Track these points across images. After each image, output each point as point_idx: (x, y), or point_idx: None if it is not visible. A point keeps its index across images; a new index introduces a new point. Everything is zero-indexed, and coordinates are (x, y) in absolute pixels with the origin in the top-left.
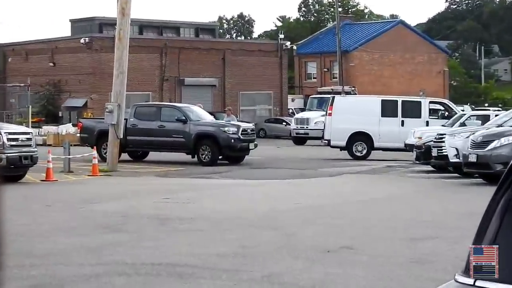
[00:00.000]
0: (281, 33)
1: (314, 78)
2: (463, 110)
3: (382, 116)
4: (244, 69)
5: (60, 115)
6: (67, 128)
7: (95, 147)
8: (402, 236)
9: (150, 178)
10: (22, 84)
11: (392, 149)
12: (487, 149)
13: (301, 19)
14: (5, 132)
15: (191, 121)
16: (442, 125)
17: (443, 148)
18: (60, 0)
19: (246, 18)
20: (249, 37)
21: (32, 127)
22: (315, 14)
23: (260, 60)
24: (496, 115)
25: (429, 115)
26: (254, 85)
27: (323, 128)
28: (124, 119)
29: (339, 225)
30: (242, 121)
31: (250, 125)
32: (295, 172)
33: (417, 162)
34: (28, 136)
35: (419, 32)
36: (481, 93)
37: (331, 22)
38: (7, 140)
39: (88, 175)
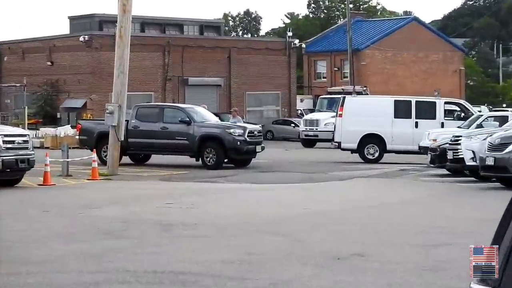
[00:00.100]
0: (289, 31)
1: (324, 77)
2: (480, 111)
3: (395, 117)
4: (251, 68)
5: (58, 116)
6: (65, 130)
7: (94, 149)
8: (415, 242)
9: (152, 182)
10: (18, 84)
11: (406, 151)
12: (505, 151)
13: (311, 16)
14: (0, 134)
15: (195, 123)
16: (458, 127)
17: (459, 150)
18: None
19: (253, 15)
20: (256, 35)
21: (29, 129)
22: (325, 11)
23: (267, 59)
24: None
25: (445, 116)
26: (261, 85)
27: (333, 130)
28: (125, 120)
29: (349, 231)
30: (248, 123)
31: (257, 127)
32: (304, 176)
33: (432, 165)
34: (24, 139)
35: (434, 29)
36: (499, 93)
37: (341, 19)
38: (3, 143)
39: (88, 179)
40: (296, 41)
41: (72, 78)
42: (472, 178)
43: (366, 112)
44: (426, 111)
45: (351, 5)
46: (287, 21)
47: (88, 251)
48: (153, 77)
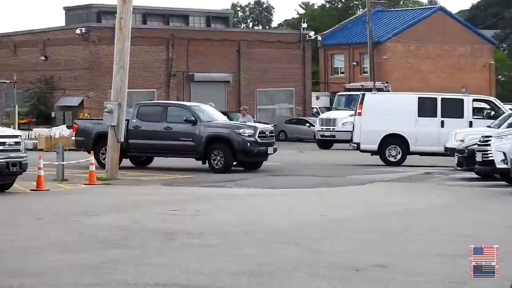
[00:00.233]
0: (304, 22)
1: (341, 72)
2: (511, 109)
3: (419, 116)
4: (262, 63)
5: (52, 115)
6: (60, 131)
7: (92, 152)
8: (441, 252)
9: (154, 187)
10: (8, 81)
11: (431, 153)
12: None
13: (327, 5)
14: None
15: (202, 122)
16: (488, 126)
17: (488, 152)
18: None
19: (264, 5)
20: (267, 27)
21: (21, 129)
22: (342, 0)
23: (280, 53)
24: None
25: (473, 115)
26: (273, 81)
27: (351, 129)
28: (126, 120)
29: (369, 240)
30: (259, 122)
31: (269, 127)
32: (320, 180)
33: (459, 168)
34: (16, 140)
35: (462, 20)
36: None
37: (361, 9)
38: None
39: (85, 184)
40: (312, 33)
41: (68, 74)
42: (503, 182)
43: (388, 110)
44: (453, 109)
45: None
46: (302, 11)
47: (85, 262)
48: (155, 73)
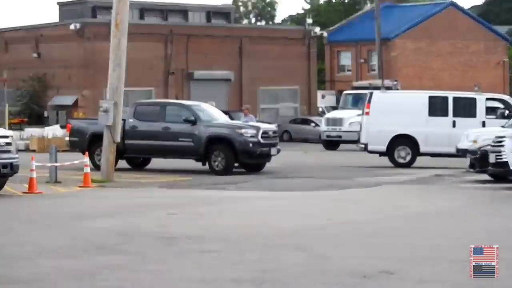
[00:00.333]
0: (309, 17)
1: (348, 70)
2: None
3: (429, 116)
4: (265, 61)
5: (45, 115)
6: (54, 131)
7: (87, 153)
8: (452, 258)
9: (152, 190)
10: None
11: (442, 154)
12: None
13: (333, 0)
14: None
15: (202, 122)
16: (502, 126)
17: (502, 153)
18: None
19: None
20: (270, 22)
21: (12, 129)
22: None
23: (284, 50)
24: None
25: (486, 114)
26: (277, 80)
27: (359, 130)
28: (122, 119)
29: (377, 245)
30: (262, 122)
31: (272, 127)
32: (326, 182)
33: (471, 170)
34: (7, 140)
35: (474, 15)
36: None
37: (368, 4)
38: None
39: (79, 187)
40: (317, 29)
41: (62, 72)
42: None
43: (397, 109)
44: (465, 108)
45: None
46: (307, 6)
47: (80, 269)
48: (153, 71)
